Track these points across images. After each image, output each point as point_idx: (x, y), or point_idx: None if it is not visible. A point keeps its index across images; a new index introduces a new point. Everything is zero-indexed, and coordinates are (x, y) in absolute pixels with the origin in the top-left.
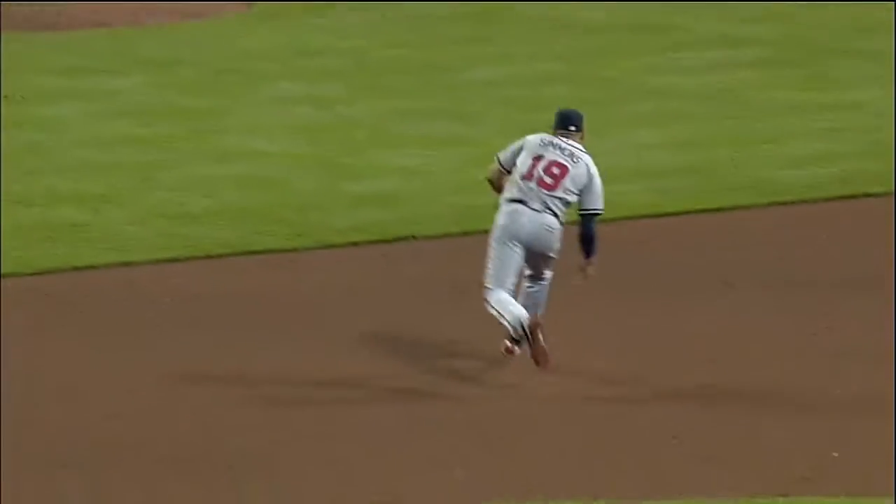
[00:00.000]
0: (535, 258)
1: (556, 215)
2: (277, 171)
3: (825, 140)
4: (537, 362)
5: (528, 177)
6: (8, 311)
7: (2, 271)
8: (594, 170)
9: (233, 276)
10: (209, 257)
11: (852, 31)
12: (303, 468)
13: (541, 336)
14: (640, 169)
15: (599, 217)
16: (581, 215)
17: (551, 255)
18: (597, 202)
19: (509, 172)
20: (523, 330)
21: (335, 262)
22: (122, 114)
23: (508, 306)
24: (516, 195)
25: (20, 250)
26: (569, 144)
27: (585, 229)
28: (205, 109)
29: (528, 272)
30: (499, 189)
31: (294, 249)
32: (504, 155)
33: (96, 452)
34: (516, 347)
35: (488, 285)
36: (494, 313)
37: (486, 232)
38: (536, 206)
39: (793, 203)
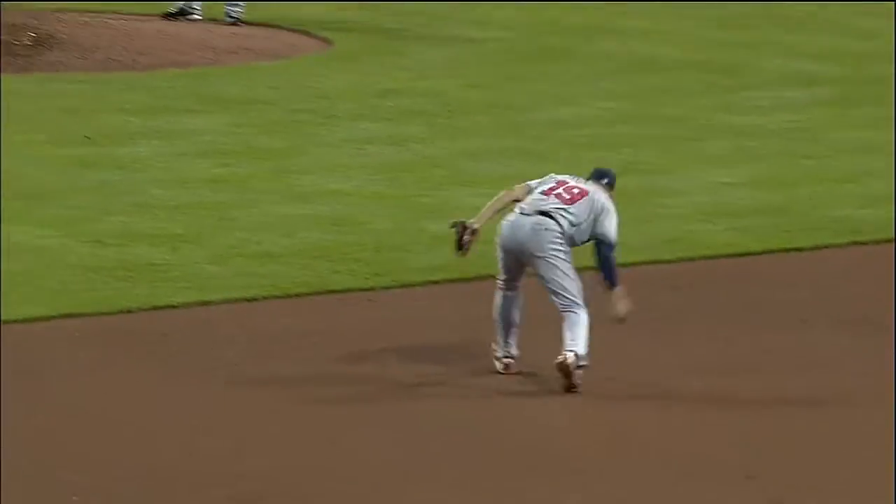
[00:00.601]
0: (536, 264)
1: (554, 219)
2: (355, 211)
3: None
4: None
5: (547, 193)
6: (86, 350)
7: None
8: (611, 206)
9: (311, 315)
10: (287, 297)
11: None
12: None
13: (574, 376)
14: (719, 208)
15: (612, 248)
16: (594, 240)
17: (550, 257)
18: (608, 230)
19: None
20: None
21: (413, 300)
22: (200, 153)
23: (505, 325)
24: (521, 206)
25: (99, 290)
26: (582, 180)
27: (597, 254)
28: (282, 149)
29: (550, 294)
30: (494, 211)
31: (372, 289)
32: (534, 184)
33: (171, 490)
34: (505, 359)
35: (498, 277)
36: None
37: None
38: (529, 211)
39: (874, 242)
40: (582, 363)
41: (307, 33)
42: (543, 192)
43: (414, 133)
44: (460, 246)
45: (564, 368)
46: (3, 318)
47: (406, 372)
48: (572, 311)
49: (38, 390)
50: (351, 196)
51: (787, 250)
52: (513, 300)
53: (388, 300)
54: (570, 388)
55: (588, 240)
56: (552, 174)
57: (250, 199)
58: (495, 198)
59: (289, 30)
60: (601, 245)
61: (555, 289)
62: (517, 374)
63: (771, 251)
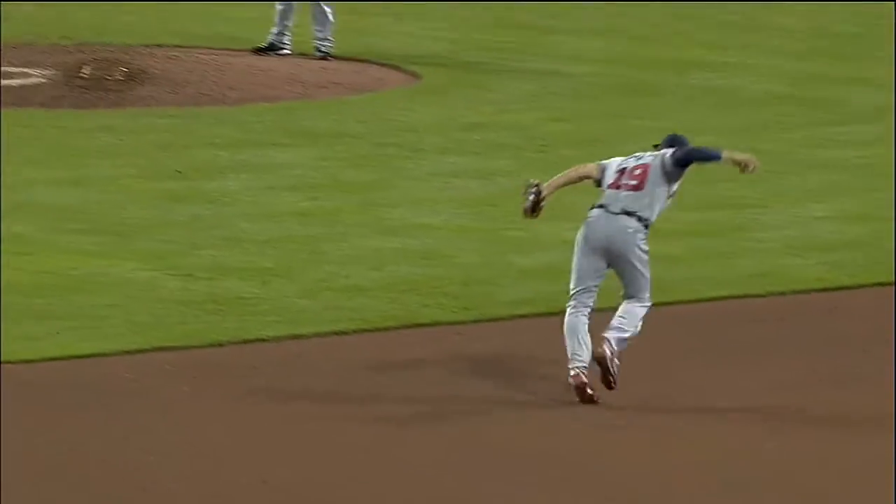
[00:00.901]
0: (621, 265)
1: (638, 218)
2: (443, 244)
3: None
4: (606, 385)
5: (613, 186)
6: (177, 382)
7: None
8: (667, 154)
9: (399, 348)
10: (376, 330)
11: None
12: None
13: (611, 367)
14: (809, 242)
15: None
16: (672, 156)
17: (635, 259)
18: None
19: (598, 185)
20: (580, 367)
21: (501, 334)
22: (289, 187)
23: (573, 338)
24: (598, 202)
25: (189, 324)
26: (644, 154)
27: (690, 157)
28: (370, 183)
29: (623, 287)
30: (563, 183)
31: (460, 322)
32: (604, 165)
33: None
34: (583, 378)
35: (571, 291)
36: (565, 337)
37: (654, 306)
38: (615, 209)
39: None
40: (620, 346)
41: (395, 67)
42: (610, 186)
43: (501, 166)
44: (534, 209)
45: (602, 362)
46: (97, 350)
47: (492, 404)
48: (638, 300)
49: (127, 422)
50: (438, 230)
51: (878, 285)
52: (582, 322)
53: (476, 334)
54: (605, 378)
55: (671, 192)
56: (614, 158)
57: (339, 233)
58: (567, 171)
59: (377, 64)
60: (680, 153)
61: (631, 284)
62: (593, 394)
63: (862, 286)
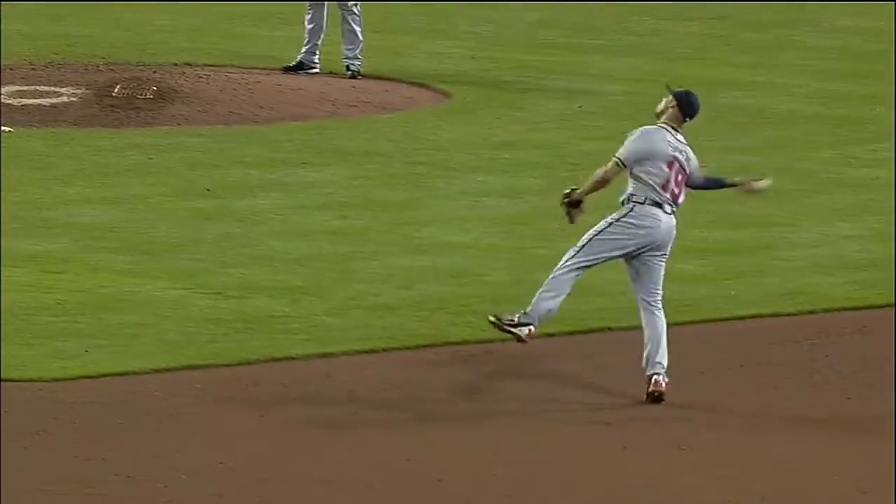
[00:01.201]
0: (655, 259)
1: (676, 220)
2: (472, 263)
3: None
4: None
5: (664, 187)
6: (207, 401)
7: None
8: (694, 158)
9: (429, 367)
10: (406, 348)
11: None
12: None
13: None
14: (840, 261)
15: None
16: (703, 184)
17: (666, 256)
18: (700, 172)
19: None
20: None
21: (530, 352)
22: (319, 206)
23: (547, 292)
24: (656, 198)
25: (219, 342)
26: (679, 142)
27: (708, 186)
28: (400, 201)
29: (639, 284)
30: (599, 185)
31: (490, 341)
32: (628, 157)
33: None
34: (530, 332)
35: (571, 255)
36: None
37: (681, 324)
38: (668, 210)
39: None
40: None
41: (425, 86)
42: (662, 186)
43: (531, 185)
44: (569, 214)
45: (661, 397)
46: (127, 369)
47: (522, 421)
48: (656, 308)
49: (156, 441)
50: (468, 248)
51: None
52: (566, 284)
53: (506, 352)
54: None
55: None
56: (649, 140)
57: (369, 252)
58: (592, 179)
59: (406, 82)
60: (699, 184)
61: (650, 279)
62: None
63: (890, 305)
